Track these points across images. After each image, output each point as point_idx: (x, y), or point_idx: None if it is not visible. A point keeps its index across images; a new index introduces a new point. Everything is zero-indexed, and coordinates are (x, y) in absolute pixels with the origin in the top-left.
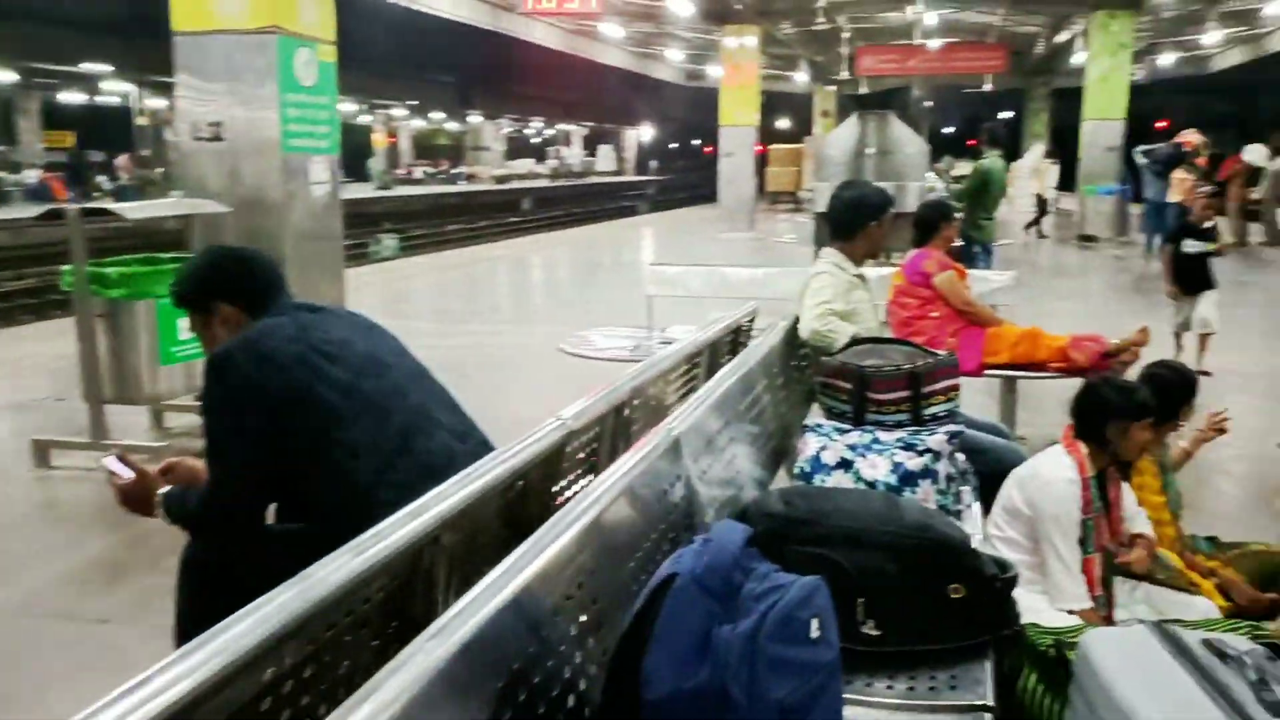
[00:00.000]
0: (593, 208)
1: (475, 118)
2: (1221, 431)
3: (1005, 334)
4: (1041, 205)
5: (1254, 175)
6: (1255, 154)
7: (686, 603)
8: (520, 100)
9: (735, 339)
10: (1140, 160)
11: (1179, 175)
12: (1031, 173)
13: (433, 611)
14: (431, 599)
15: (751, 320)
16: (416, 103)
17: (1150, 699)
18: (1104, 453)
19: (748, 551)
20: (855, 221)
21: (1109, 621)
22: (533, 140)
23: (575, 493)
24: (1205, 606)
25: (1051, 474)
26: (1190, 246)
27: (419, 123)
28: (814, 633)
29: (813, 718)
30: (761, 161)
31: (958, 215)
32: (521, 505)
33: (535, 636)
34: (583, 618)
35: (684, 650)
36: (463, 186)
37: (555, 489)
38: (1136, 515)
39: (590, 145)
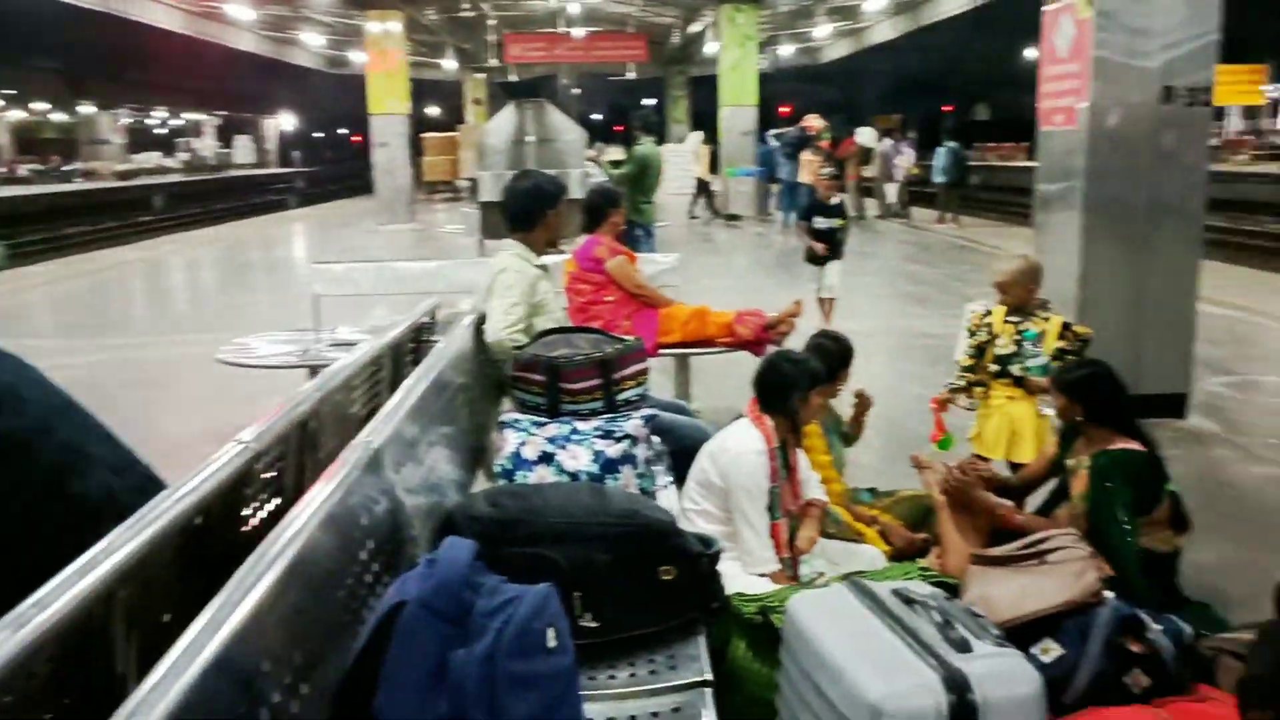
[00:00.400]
0: (236, 203)
1: (88, 108)
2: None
3: (676, 314)
4: (703, 188)
5: (866, 155)
6: (866, 136)
7: (417, 630)
8: (142, 89)
9: (419, 337)
10: (773, 143)
11: (807, 157)
12: (694, 157)
13: (113, 679)
14: (112, 666)
15: (433, 317)
16: (14, 92)
17: (854, 651)
18: (786, 423)
19: (476, 567)
20: (534, 211)
21: (795, 580)
22: (158, 132)
23: (261, 520)
24: (872, 553)
25: (741, 446)
26: (820, 223)
27: (19, 114)
28: (550, 642)
29: None
30: (417, 150)
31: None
32: (205, 543)
33: (246, 694)
34: (297, 661)
35: (419, 681)
36: (80, 184)
37: (240, 519)
38: (810, 478)
39: (225, 136)
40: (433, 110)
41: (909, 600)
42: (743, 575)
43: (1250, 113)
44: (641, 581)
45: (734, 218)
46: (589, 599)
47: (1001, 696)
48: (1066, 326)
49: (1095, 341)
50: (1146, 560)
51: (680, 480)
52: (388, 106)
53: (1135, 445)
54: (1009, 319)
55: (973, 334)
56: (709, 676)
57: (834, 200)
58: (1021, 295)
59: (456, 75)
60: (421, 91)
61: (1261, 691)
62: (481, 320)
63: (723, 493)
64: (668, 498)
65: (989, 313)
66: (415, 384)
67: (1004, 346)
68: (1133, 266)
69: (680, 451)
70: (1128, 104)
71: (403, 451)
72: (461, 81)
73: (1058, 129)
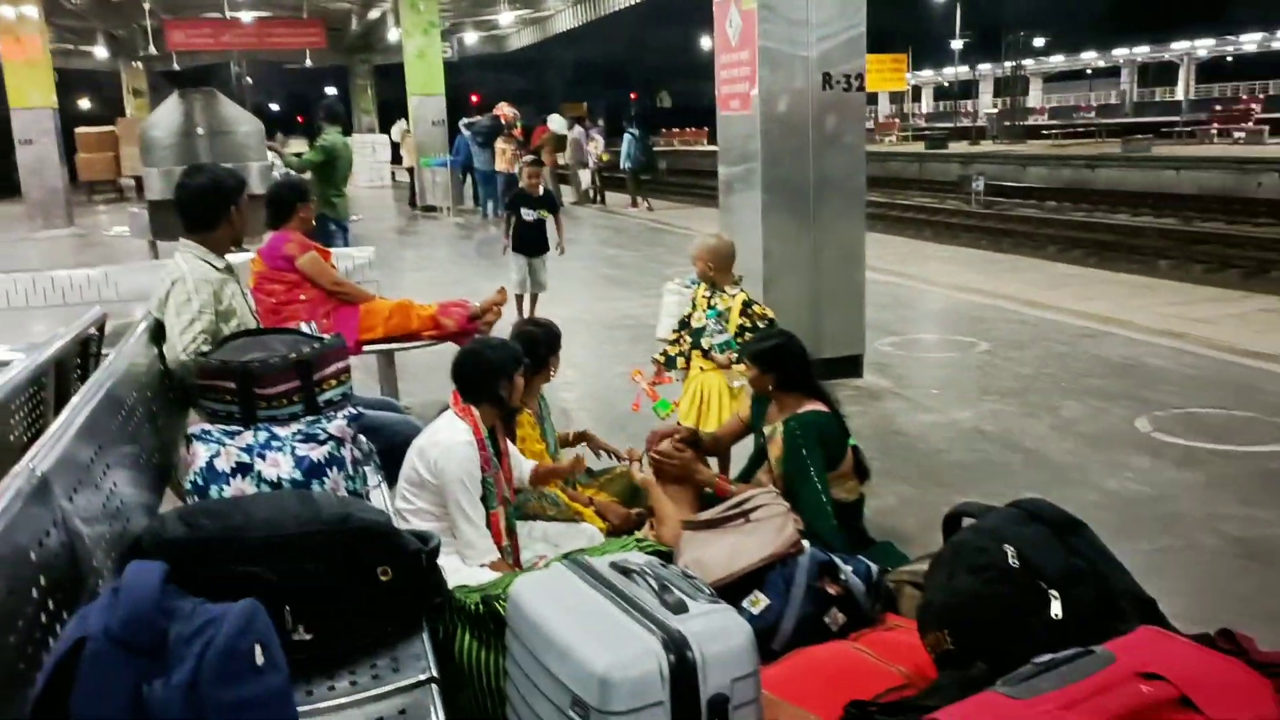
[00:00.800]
0: None
1: None
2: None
3: (378, 309)
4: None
5: (560, 142)
6: (557, 123)
7: (106, 666)
8: None
9: (86, 352)
10: (464, 132)
11: (500, 145)
12: (408, 148)
13: None
14: None
15: (101, 328)
16: None
17: (577, 626)
18: (493, 410)
19: (168, 590)
20: (214, 209)
21: (518, 565)
22: None
23: None
24: (591, 531)
25: (450, 439)
26: (527, 215)
27: None
28: (259, 660)
29: None
30: (71, 147)
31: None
32: None
33: None
34: None
35: None
36: None
37: None
38: (521, 463)
39: None
40: (86, 103)
41: (626, 571)
42: (465, 568)
43: (895, 97)
44: (359, 586)
45: (430, 209)
46: (301, 611)
47: (717, 650)
48: (747, 305)
49: (781, 312)
50: (836, 509)
51: (393, 479)
52: (31, 100)
53: (821, 407)
54: (706, 294)
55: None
56: (434, 674)
57: (540, 191)
58: (704, 271)
59: (111, 65)
60: (71, 83)
61: (936, 614)
62: (157, 327)
63: (436, 489)
64: (380, 498)
65: (698, 286)
66: (83, 401)
67: (698, 320)
68: (808, 241)
69: (391, 449)
70: (793, 90)
71: (75, 476)
72: (118, 71)
73: (734, 114)
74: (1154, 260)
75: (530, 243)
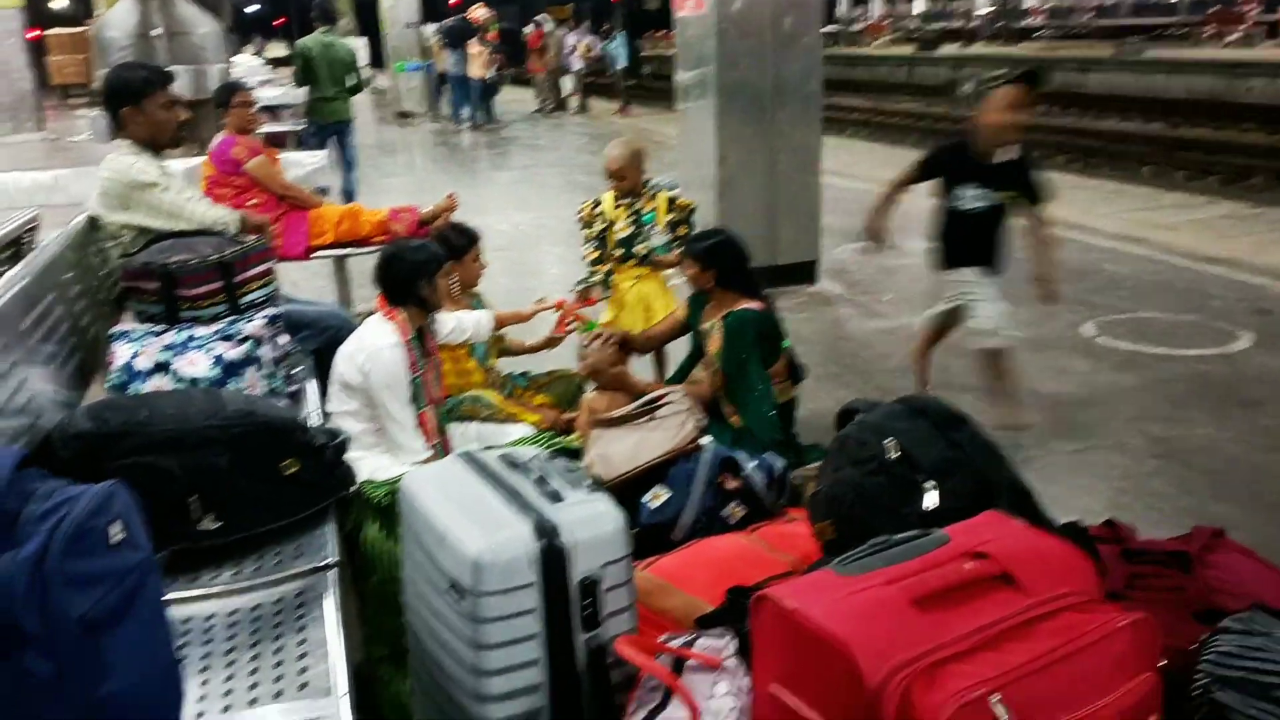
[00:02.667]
0: None
1: None
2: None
3: (327, 214)
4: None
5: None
6: (551, 26)
7: None
8: None
9: (17, 253)
10: (430, 35)
11: (474, 49)
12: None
13: None
14: None
15: (33, 230)
16: None
17: (458, 514)
18: (419, 311)
19: (25, 474)
20: (113, 108)
21: None
22: None
23: None
24: (523, 429)
25: (376, 343)
26: (969, 198)
27: None
28: (115, 538)
29: (129, 622)
30: (41, 50)
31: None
32: None
33: None
34: None
35: None
36: None
37: None
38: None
39: None
40: (59, 3)
41: (514, 464)
42: (395, 467)
43: None
44: (264, 478)
45: (406, 115)
46: (208, 501)
47: (587, 536)
48: (671, 201)
49: (737, 218)
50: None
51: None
52: None
53: (757, 305)
54: (620, 202)
55: (589, 225)
56: (332, 560)
57: (1004, 155)
58: (635, 179)
59: None
60: None
61: (821, 505)
62: (90, 226)
63: (365, 392)
64: (309, 397)
65: (598, 202)
66: None
67: (623, 230)
68: (764, 146)
69: (333, 344)
70: None
71: None
72: None
73: (691, 14)
74: (1136, 167)
75: (970, 249)
